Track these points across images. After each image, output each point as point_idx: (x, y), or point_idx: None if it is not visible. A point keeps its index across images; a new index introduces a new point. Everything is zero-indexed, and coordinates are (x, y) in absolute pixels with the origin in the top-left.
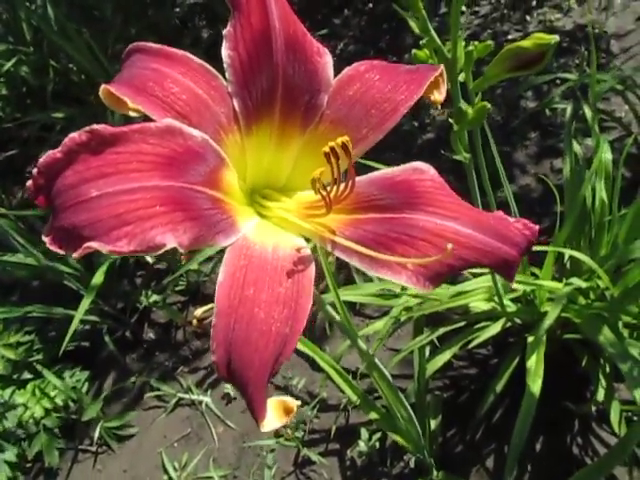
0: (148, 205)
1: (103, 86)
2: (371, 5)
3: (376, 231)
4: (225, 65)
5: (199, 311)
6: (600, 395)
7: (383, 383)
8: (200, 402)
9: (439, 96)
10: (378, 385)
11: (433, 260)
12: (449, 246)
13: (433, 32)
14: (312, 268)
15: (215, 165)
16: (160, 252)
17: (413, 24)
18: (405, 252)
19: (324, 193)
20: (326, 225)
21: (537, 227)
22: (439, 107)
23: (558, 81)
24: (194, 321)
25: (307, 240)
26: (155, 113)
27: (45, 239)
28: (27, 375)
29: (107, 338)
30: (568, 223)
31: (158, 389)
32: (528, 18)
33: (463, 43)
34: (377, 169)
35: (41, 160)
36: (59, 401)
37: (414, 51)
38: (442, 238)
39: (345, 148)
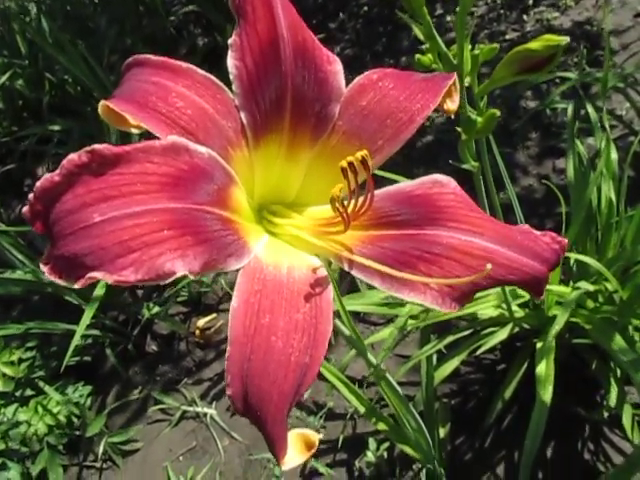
0: (155, 230)
1: (102, 102)
2: (366, 8)
3: (396, 248)
4: (231, 76)
5: (201, 321)
6: (612, 399)
7: (391, 394)
8: (205, 414)
9: (452, 105)
10: (386, 395)
11: (464, 281)
12: (488, 266)
13: (438, 37)
14: (330, 290)
15: (223, 183)
16: (169, 280)
17: (417, 29)
18: (428, 270)
19: (342, 210)
20: (342, 243)
21: (565, 240)
22: (452, 116)
23: (558, 80)
24: (197, 331)
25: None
26: (159, 130)
27: (44, 268)
28: (29, 392)
29: (109, 351)
30: (574, 225)
31: (162, 402)
32: (525, 17)
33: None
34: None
35: (38, 184)
36: (62, 417)
37: (417, 56)
38: (468, 255)
39: (364, 162)
